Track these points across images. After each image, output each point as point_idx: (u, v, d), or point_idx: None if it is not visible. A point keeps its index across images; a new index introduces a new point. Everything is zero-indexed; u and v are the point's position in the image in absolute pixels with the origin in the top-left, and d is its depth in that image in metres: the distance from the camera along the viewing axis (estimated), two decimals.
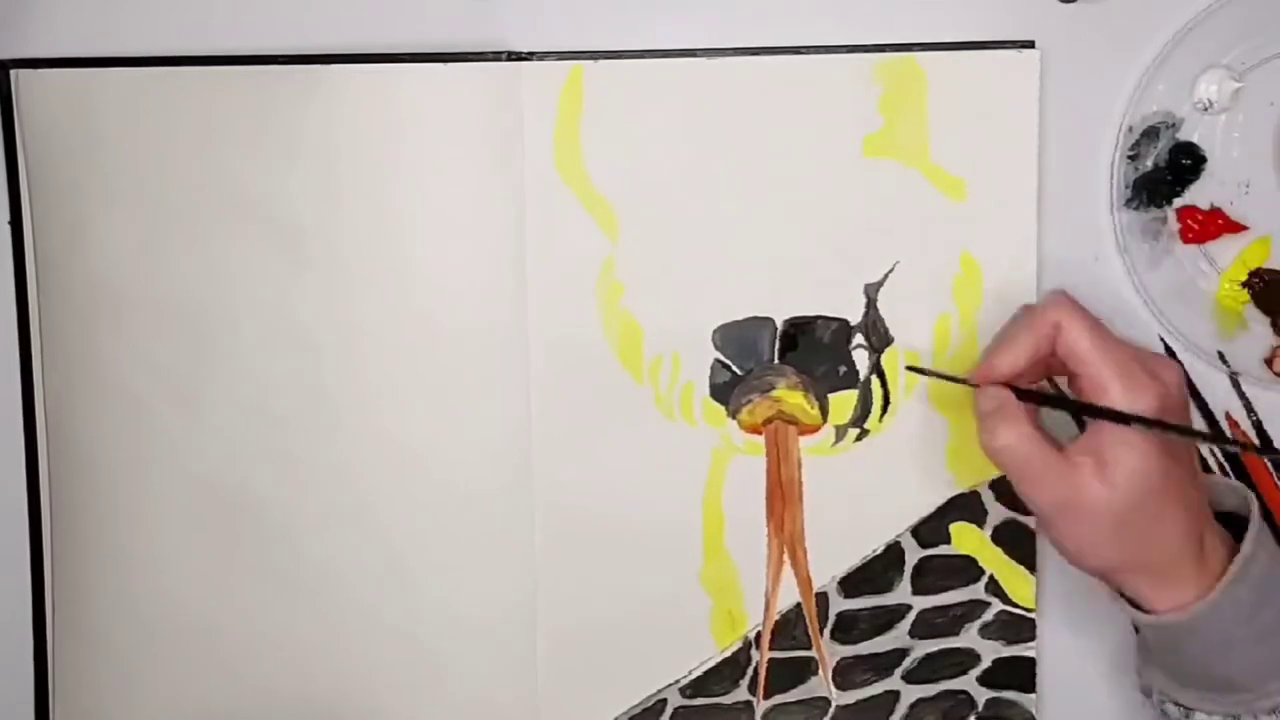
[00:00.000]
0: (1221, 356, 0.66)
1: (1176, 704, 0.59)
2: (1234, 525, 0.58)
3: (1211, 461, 0.67)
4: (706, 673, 0.67)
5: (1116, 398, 0.55)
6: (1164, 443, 0.55)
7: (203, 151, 0.63)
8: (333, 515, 0.65)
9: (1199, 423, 0.67)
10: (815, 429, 0.66)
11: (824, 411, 0.66)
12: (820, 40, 0.64)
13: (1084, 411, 0.57)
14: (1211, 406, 0.67)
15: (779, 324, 0.65)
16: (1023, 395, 0.58)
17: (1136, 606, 0.58)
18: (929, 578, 0.67)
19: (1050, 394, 0.60)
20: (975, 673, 0.67)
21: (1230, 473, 0.67)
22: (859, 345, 0.65)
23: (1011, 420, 0.57)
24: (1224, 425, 0.67)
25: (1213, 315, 0.66)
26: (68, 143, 0.63)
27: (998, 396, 0.58)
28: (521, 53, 0.63)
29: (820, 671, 0.67)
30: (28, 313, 0.65)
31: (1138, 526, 0.56)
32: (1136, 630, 0.61)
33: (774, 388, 0.65)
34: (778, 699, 0.67)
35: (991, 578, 0.66)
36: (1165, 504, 0.56)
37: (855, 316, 0.65)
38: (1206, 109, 0.64)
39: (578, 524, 0.66)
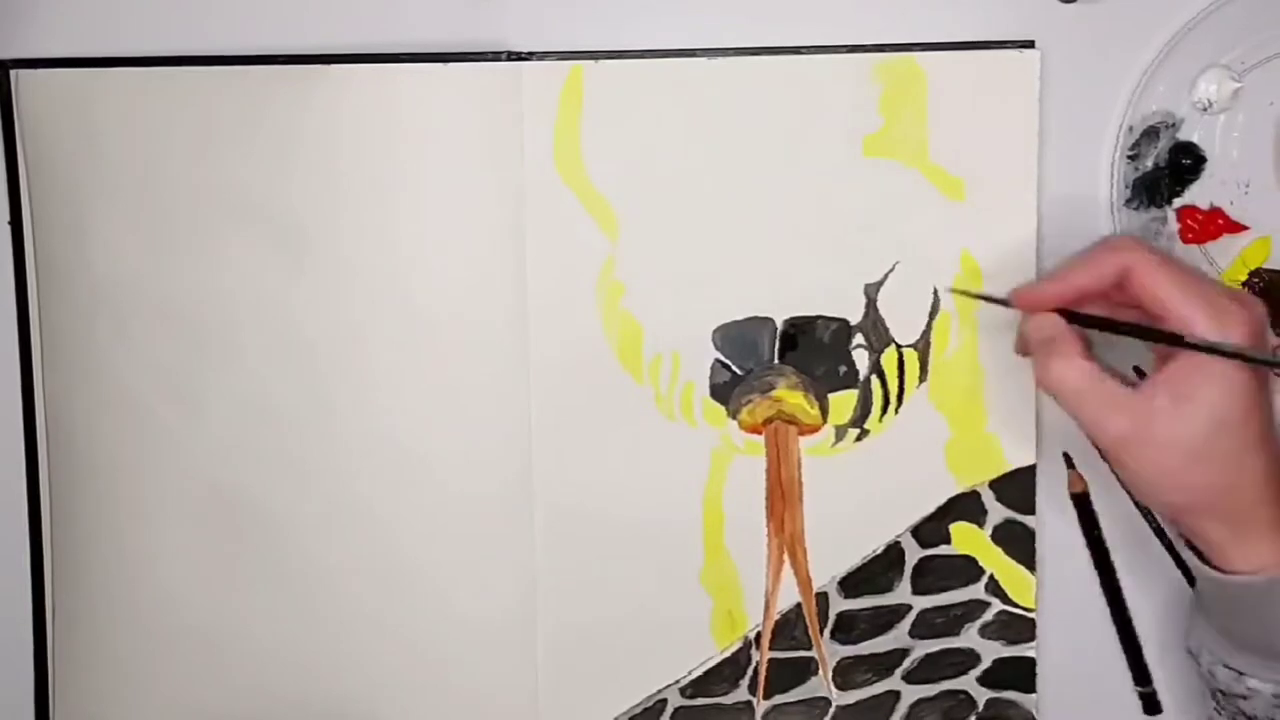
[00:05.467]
0: None
1: (1229, 667, 0.58)
2: None
3: None
4: (707, 673, 0.67)
5: (1204, 332, 0.54)
6: (1248, 381, 0.54)
7: (203, 151, 0.63)
8: (333, 515, 0.65)
9: None
10: (815, 429, 0.66)
11: (824, 411, 0.66)
12: (820, 40, 0.64)
13: (1139, 335, 0.56)
14: None
15: (779, 324, 0.65)
16: (1074, 319, 0.58)
17: (1205, 561, 0.57)
18: (929, 578, 0.67)
19: (1102, 318, 0.58)
20: (975, 673, 0.67)
21: None
22: (859, 345, 0.65)
23: (1062, 353, 0.57)
24: None
25: None
26: (68, 143, 0.63)
27: (1047, 326, 0.58)
28: (521, 53, 0.63)
29: (820, 672, 0.67)
30: (28, 313, 0.65)
31: (1212, 465, 0.55)
32: (1192, 585, 0.61)
33: (774, 388, 0.65)
34: (778, 699, 0.67)
35: (991, 577, 0.66)
36: (1245, 445, 0.54)
37: (855, 316, 0.65)
38: (1206, 109, 0.64)
39: (578, 524, 0.66)
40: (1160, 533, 0.66)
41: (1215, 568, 0.57)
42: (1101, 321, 0.58)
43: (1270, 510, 0.55)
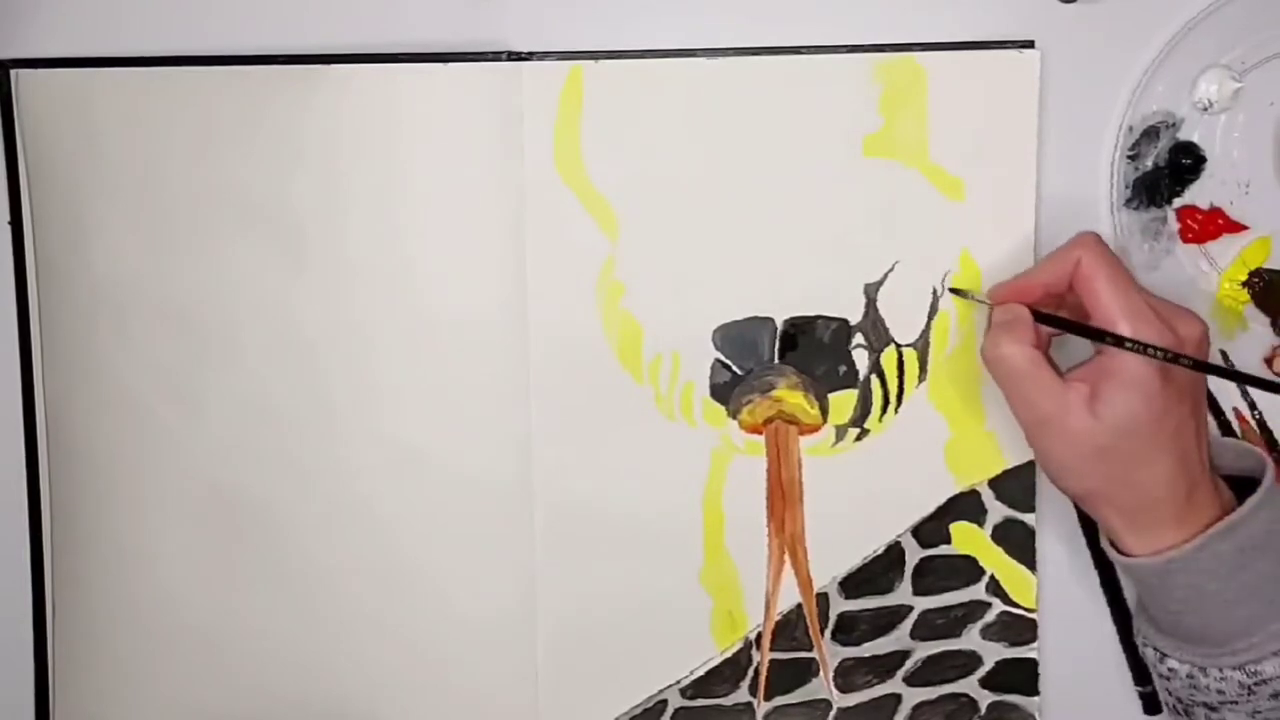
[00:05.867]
0: (1224, 356, 0.66)
1: (1154, 648, 0.61)
2: (1251, 489, 0.58)
3: (1238, 427, 0.67)
4: (707, 673, 0.67)
5: (1121, 332, 0.57)
6: (1163, 392, 0.56)
7: (203, 151, 0.63)
8: (333, 515, 0.65)
9: (1210, 419, 0.67)
10: (815, 429, 0.66)
11: (824, 411, 0.66)
12: (820, 40, 0.64)
13: (1095, 337, 0.58)
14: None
15: (779, 324, 0.65)
16: (1039, 317, 0.60)
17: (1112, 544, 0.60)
18: (930, 578, 0.66)
19: (1065, 319, 0.60)
20: (977, 675, 0.67)
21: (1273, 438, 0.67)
22: (859, 345, 0.65)
23: (1016, 334, 0.59)
24: (1232, 420, 0.67)
25: (1213, 315, 0.65)
26: (68, 143, 0.64)
27: (1013, 311, 0.60)
28: (521, 53, 0.64)
29: (821, 673, 0.67)
30: (28, 313, 0.65)
31: (1117, 463, 0.57)
32: (1096, 567, 0.64)
33: (774, 388, 0.65)
34: (779, 700, 0.67)
35: (992, 578, 0.66)
36: (1151, 450, 0.57)
37: (855, 316, 0.65)
38: (1206, 109, 0.64)
39: (578, 524, 0.66)
40: (1082, 514, 0.66)
41: (1121, 551, 0.59)
42: (1062, 321, 0.60)
43: (1169, 508, 0.58)
